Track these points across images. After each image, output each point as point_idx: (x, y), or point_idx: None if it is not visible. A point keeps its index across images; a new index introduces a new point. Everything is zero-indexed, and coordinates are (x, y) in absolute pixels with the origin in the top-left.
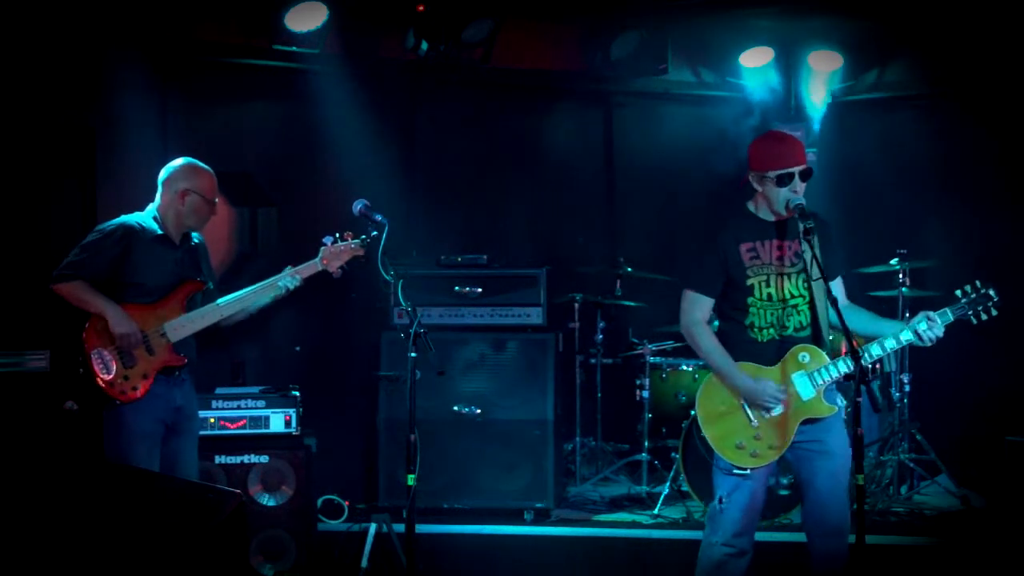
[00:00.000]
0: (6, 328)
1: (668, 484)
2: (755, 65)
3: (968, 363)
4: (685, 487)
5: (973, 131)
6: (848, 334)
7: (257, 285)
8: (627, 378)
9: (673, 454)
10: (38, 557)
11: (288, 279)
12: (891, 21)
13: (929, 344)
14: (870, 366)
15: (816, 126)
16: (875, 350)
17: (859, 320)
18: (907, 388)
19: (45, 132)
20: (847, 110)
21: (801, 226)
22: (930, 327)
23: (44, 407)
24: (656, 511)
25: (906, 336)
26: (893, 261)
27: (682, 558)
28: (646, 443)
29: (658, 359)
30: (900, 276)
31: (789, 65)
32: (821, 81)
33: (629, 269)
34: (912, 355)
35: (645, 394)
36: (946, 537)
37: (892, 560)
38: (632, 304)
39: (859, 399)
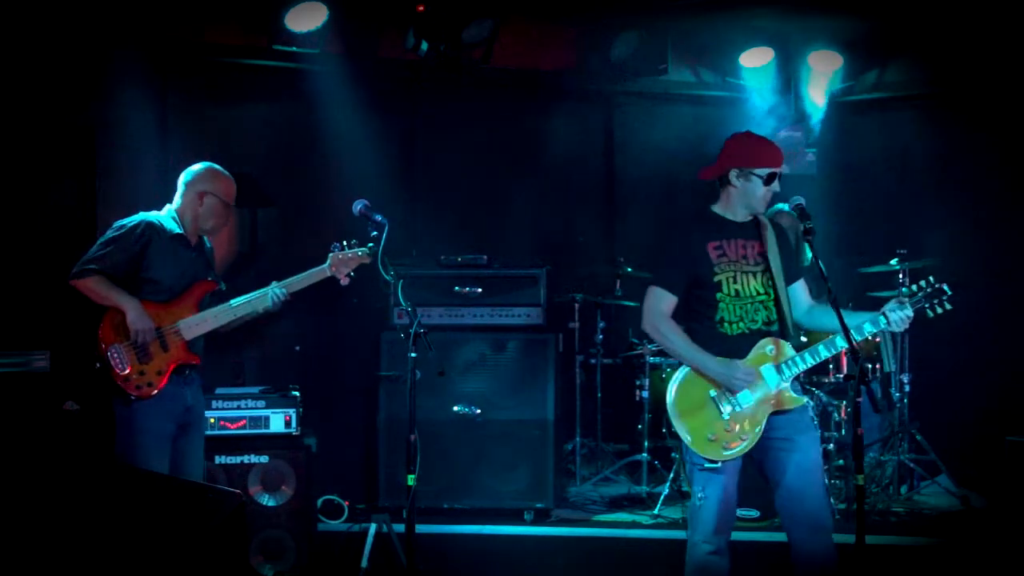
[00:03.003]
0: (7, 328)
1: (668, 484)
2: (755, 65)
3: (968, 363)
4: (685, 487)
5: (973, 131)
6: (848, 334)
7: (261, 291)
8: (627, 378)
9: (673, 454)
10: (38, 557)
11: (277, 289)
12: (891, 21)
13: (897, 327)
14: (869, 366)
15: (816, 126)
16: (854, 336)
17: (828, 318)
18: (907, 388)
19: (45, 132)
20: (847, 110)
21: (801, 226)
22: (898, 311)
23: (45, 407)
24: (656, 511)
25: (881, 321)
26: (893, 261)
27: (682, 558)
28: (646, 443)
29: (658, 359)
30: (900, 276)
31: (789, 65)
32: (821, 81)
33: (629, 269)
34: (912, 355)
35: (645, 394)
36: (946, 537)
37: (892, 560)
38: (632, 304)
39: (859, 399)
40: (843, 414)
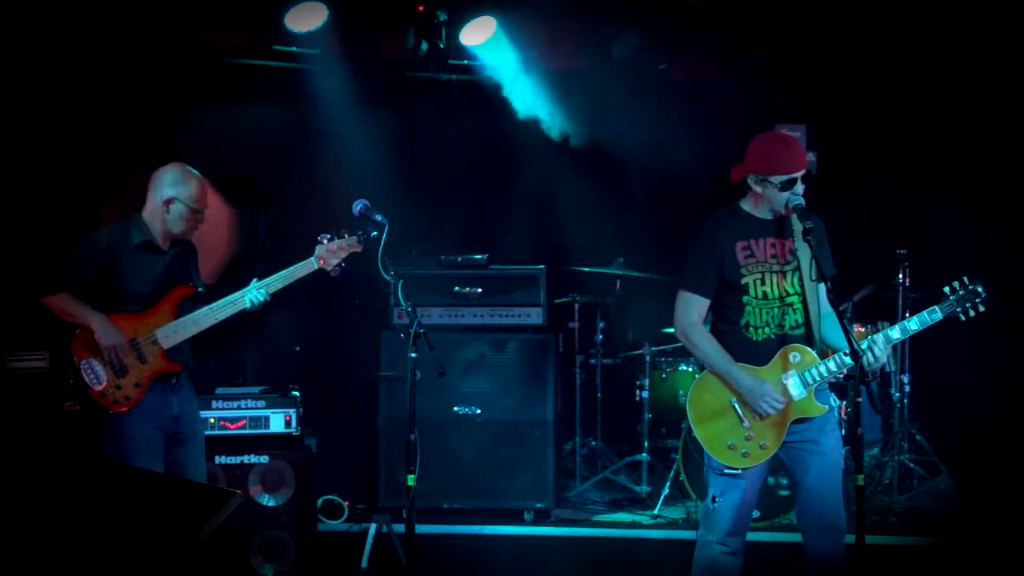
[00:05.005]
0: (6, 329)
1: (668, 484)
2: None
3: (968, 363)
4: (686, 487)
5: (974, 130)
6: (848, 334)
7: (240, 292)
8: (627, 378)
9: (673, 454)
10: (35, 557)
11: (255, 292)
12: (890, 21)
13: (872, 367)
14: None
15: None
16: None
17: (831, 331)
18: (907, 388)
19: (45, 132)
20: (846, 109)
21: (801, 226)
22: (875, 360)
23: (44, 407)
24: (656, 511)
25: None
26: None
27: (682, 558)
28: (646, 443)
29: (658, 359)
30: (900, 276)
31: (790, 66)
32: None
33: (630, 270)
34: (912, 356)
35: (645, 394)
36: (946, 537)
37: (892, 560)
38: (631, 304)
39: (859, 399)
40: (843, 414)
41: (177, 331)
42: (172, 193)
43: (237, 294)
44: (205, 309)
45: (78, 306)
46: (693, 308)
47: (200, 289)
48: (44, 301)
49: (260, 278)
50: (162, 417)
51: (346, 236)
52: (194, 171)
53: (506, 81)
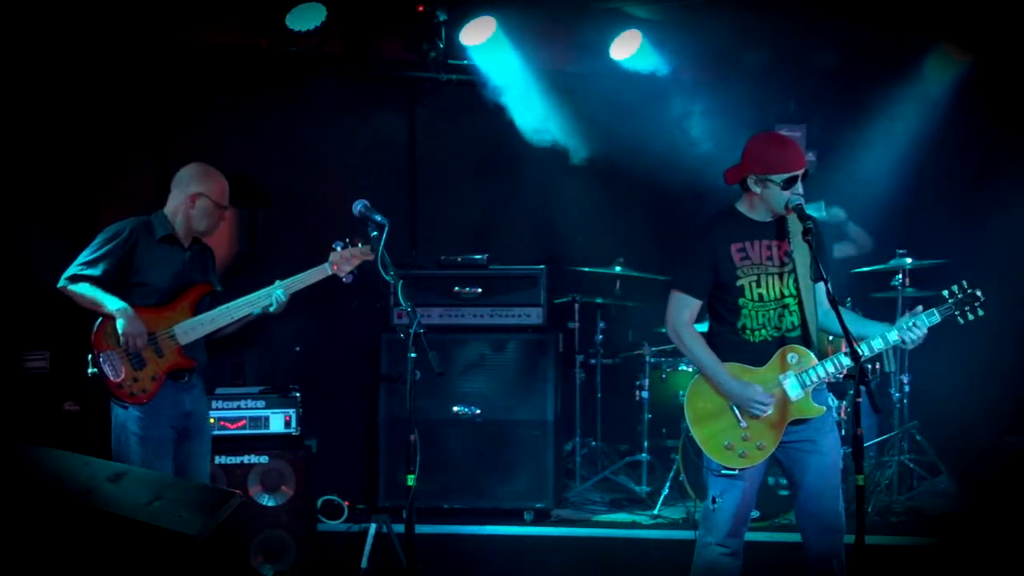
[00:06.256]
0: (6, 329)
1: (668, 484)
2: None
3: (968, 363)
4: (686, 487)
5: (974, 129)
6: (848, 334)
7: (259, 292)
8: (627, 378)
9: (673, 454)
10: (33, 556)
11: (280, 291)
12: (890, 21)
13: (911, 346)
14: (869, 367)
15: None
16: (864, 349)
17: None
18: (907, 388)
19: (46, 133)
20: (846, 109)
21: (799, 227)
22: (914, 330)
23: (44, 407)
24: (656, 511)
25: (893, 337)
26: (893, 261)
27: (682, 558)
28: (646, 443)
29: (658, 359)
30: (900, 276)
31: (787, 65)
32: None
33: (629, 270)
34: (912, 356)
35: (645, 394)
36: (946, 537)
37: (892, 560)
38: (631, 304)
39: (859, 399)
40: (843, 414)
41: (195, 328)
42: (199, 188)
43: (258, 293)
44: (223, 308)
45: (104, 296)
46: (684, 308)
47: (218, 288)
48: (67, 291)
49: (267, 280)
50: (175, 415)
51: (359, 245)
52: (216, 170)
53: (506, 81)
